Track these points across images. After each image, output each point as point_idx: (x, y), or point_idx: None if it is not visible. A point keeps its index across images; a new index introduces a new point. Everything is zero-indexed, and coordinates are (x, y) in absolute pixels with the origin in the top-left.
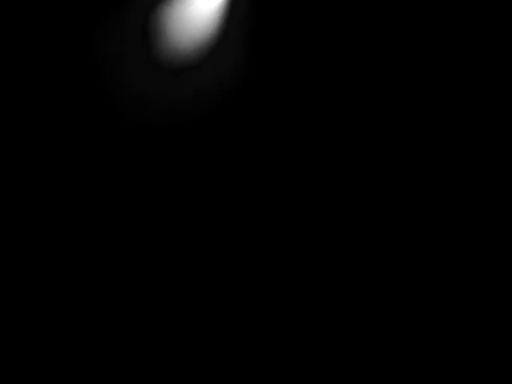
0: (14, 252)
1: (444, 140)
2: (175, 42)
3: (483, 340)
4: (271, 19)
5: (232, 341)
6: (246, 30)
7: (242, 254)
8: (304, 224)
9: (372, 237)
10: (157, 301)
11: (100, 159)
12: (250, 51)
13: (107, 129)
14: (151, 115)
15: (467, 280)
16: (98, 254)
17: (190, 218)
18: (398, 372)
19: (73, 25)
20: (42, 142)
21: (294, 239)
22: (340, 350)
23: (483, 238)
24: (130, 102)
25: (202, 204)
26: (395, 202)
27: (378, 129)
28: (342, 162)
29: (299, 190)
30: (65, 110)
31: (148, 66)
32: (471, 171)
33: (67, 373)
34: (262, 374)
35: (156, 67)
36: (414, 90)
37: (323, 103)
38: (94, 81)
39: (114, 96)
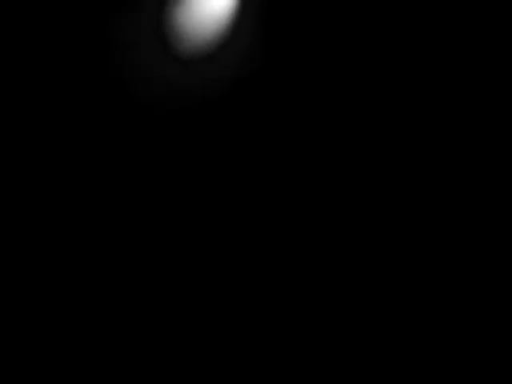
0: (14, 248)
1: (445, 140)
2: (189, 32)
3: (483, 340)
4: (284, 10)
5: (232, 340)
6: (260, 21)
7: (242, 248)
8: (306, 219)
9: (372, 236)
10: (156, 298)
11: (111, 148)
12: (262, 40)
13: (120, 117)
14: (164, 103)
15: (467, 280)
16: (101, 242)
17: (195, 211)
18: (398, 372)
19: (87, 14)
20: (53, 131)
21: (294, 236)
22: (340, 349)
23: (483, 238)
24: (143, 91)
25: (211, 197)
26: (396, 201)
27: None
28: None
29: (312, 184)
30: (77, 99)
31: (162, 55)
32: (471, 171)
33: (67, 373)
34: (262, 374)
35: (170, 56)
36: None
37: (335, 98)
38: (106, 69)
39: (128, 85)
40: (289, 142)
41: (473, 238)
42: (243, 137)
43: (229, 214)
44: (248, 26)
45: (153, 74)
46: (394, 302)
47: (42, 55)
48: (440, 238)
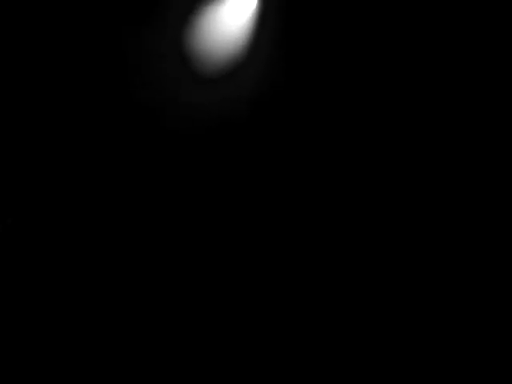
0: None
1: (451, 144)
2: (208, 52)
3: (483, 340)
4: (300, 30)
5: (232, 340)
6: (277, 39)
7: (256, 254)
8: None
9: (374, 238)
10: (157, 300)
11: (135, 160)
12: (280, 59)
13: (143, 132)
14: (186, 120)
15: (467, 280)
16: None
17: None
18: (398, 372)
19: (111, 32)
20: (75, 137)
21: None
22: (340, 350)
23: (483, 238)
24: (166, 108)
25: (228, 211)
26: (401, 204)
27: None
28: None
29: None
30: (100, 112)
31: (183, 73)
32: (471, 171)
33: (67, 373)
34: (262, 374)
35: (191, 74)
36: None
37: (353, 117)
38: (129, 87)
39: (151, 103)
40: (307, 162)
41: (473, 237)
42: (260, 155)
43: (244, 227)
44: (265, 46)
45: (172, 92)
46: (393, 301)
47: (67, 65)
48: (440, 237)
